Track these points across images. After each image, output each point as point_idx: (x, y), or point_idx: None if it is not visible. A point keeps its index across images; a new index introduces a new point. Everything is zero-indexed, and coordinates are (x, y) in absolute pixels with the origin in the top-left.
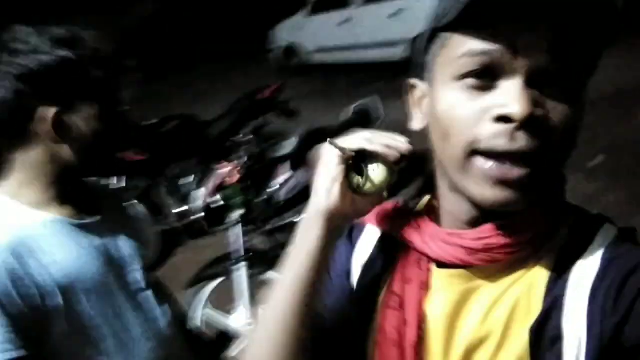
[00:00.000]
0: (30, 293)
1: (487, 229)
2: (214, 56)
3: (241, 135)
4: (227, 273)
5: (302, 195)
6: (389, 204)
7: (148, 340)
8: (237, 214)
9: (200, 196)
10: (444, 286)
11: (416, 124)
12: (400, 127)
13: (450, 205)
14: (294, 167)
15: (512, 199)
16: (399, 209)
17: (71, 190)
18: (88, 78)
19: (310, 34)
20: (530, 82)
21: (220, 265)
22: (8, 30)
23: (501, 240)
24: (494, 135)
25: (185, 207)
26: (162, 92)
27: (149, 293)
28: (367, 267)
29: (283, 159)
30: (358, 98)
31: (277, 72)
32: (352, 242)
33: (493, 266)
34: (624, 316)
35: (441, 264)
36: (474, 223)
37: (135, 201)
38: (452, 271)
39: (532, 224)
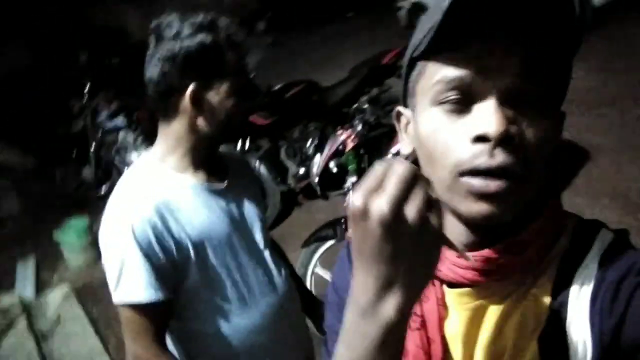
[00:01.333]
0: (169, 246)
1: (494, 250)
2: (342, 17)
3: (358, 103)
4: (338, 237)
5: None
6: None
7: (266, 294)
8: (350, 180)
9: (317, 161)
10: (454, 305)
11: (404, 148)
12: None
13: (449, 226)
14: None
15: (495, 212)
16: None
17: (205, 158)
18: (222, 59)
19: None
20: (504, 102)
21: (332, 229)
22: (157, 19)
23: (510, 259)
24: (474, 156)
25: (303, 170)
26: (288, 54)
27: (268, 252)
28: None
29: None
30: None
31: (404, 31)
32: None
33: (500, 282)
34: (621, 317)
35: (450, 284)
36: (470, 245)
37: (258, 162)
38: (461, 290)
39: (536, 239)
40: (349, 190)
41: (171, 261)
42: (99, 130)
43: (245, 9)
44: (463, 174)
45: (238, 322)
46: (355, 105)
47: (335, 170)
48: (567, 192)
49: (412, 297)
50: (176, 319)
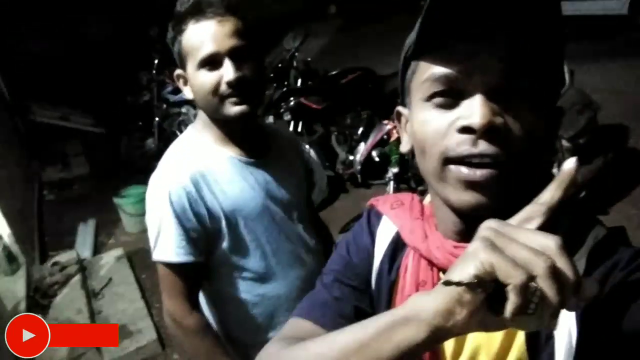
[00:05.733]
0: (201, 213)
1: None
2: (414, 7)
3: None
4: None
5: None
6: (403, 197)
7: (294, 267)
8: (392, 171)
9: (361, 149)
10: None
11: (403, 147)
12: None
13: (442, 215)
14: None
15: (482, 201)
16: (411, 203)
17: (242, 132)
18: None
19: None
20: (491, 97)
21: None
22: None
23: None
24: (459, 144)
25: (350, 157)
26: (355, 40)
27: (302, 227)
28: (381, 271)
29: None
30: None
31: None
32: (371, 232)
33: None
34: (605, 309)
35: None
36: (461, 234)
37: (309, 146)
38: None
39: None
40: (389, 180)
41: (203, 227)
42: (164, 103)
43: None
44: (449, 161)
45: (265, 290)
46: None
47: (377, 159)
48: (623, 202)
49: (470, 330)
50: (209, 281)
